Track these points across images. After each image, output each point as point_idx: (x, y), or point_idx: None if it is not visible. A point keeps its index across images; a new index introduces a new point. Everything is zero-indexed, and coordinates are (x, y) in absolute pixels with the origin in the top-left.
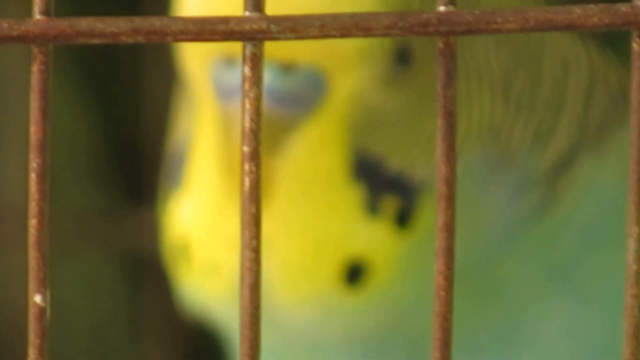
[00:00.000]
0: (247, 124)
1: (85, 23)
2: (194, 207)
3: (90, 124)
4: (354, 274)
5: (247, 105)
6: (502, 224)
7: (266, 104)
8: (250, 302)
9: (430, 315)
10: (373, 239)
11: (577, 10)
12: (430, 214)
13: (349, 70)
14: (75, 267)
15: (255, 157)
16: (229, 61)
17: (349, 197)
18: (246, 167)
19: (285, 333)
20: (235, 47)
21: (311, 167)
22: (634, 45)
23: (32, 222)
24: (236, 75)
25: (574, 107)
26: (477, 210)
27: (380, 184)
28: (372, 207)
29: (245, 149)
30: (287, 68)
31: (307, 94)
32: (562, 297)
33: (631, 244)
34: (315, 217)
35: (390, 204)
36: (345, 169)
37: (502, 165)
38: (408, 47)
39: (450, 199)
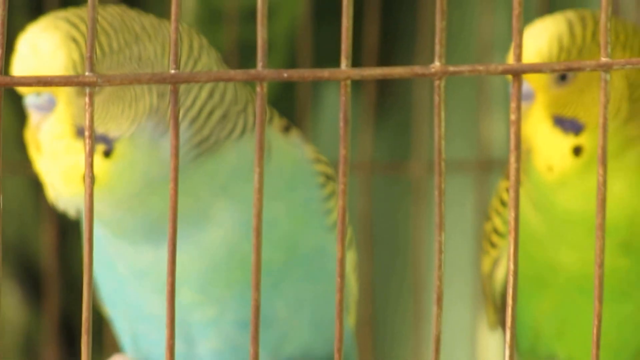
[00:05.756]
0: None
1: (8, 79)
2: None
3: None
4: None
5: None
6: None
7: (34, 111)
8: None
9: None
10: (96, 164)
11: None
12: (121, 151)
13: (64, 95)
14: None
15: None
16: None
17: (79, 145)
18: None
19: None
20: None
21: (59, 135)
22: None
23: None
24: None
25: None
26: (156, 153)
27: (95, 139)
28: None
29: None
30: (38, 94)
31: (48, 105)
32: (227, 199)
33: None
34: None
35: (100, 147)
36: (74, 134)
37: (166, 133)
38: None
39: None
